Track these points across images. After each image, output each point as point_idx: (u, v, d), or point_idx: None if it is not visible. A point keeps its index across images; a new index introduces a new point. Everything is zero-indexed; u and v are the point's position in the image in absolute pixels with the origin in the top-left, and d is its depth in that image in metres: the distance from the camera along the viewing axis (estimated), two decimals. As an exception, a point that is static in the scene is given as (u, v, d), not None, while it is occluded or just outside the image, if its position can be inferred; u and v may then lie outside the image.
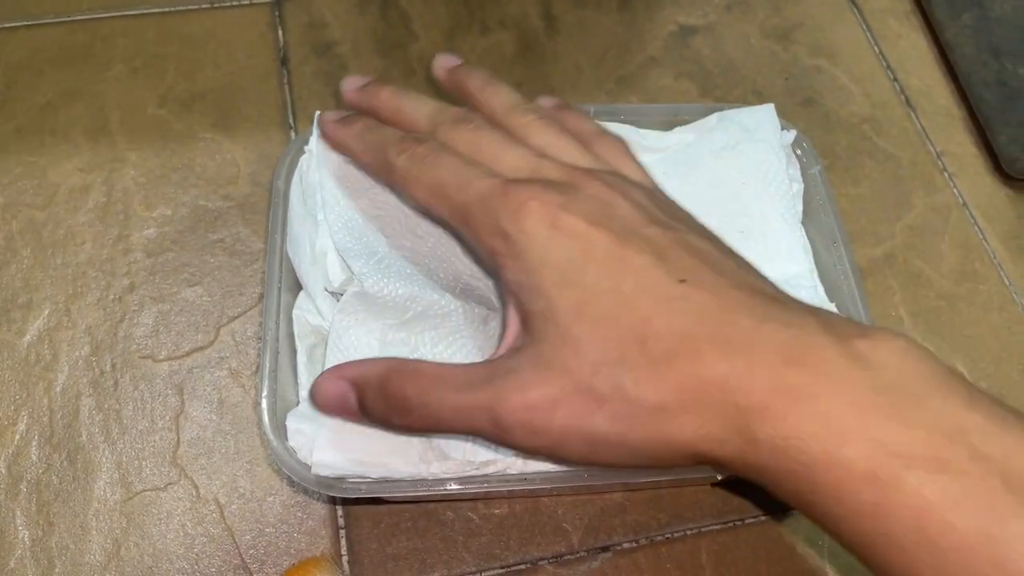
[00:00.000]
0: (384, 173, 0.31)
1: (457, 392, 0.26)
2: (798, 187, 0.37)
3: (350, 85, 0.34)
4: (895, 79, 0.49)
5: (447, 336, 0.32)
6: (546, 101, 0.33)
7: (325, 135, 0.34)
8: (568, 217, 0.26)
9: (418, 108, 0.32)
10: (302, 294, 0.33)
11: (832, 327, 0.24)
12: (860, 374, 0.23)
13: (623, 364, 0.25)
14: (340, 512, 0.35)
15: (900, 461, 0.21)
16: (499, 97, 0.32)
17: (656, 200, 0.29)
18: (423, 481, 0.29)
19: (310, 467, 0.29)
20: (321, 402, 0.28)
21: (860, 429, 0.22)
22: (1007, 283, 0.42)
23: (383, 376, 0.27)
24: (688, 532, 0.35)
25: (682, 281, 0.25)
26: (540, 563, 0.34)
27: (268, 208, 0.39)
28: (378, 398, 0.27)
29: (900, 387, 0.23)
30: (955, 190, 0.45)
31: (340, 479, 0.29)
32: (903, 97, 0.48)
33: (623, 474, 0.30)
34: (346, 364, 0.28)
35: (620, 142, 0.31)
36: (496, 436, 0.26)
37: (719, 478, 0.30)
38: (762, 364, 0.23)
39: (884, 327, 0.25)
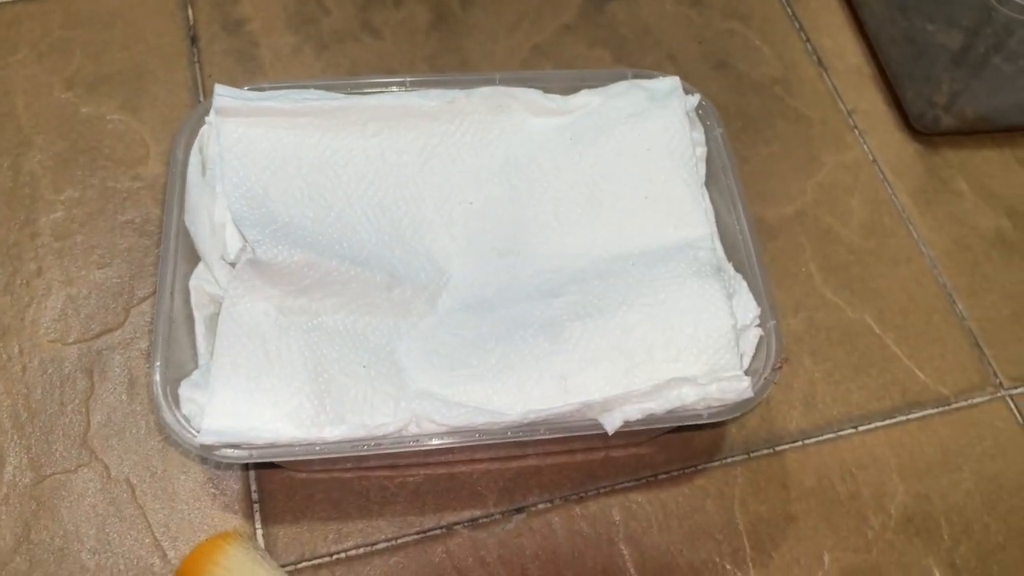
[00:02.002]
0: None
1: None
2: (701, 151, 0.38)
3: None
4: (807, 40, 0.49)
5: (349, 303, 0.32)
6: None
7: None
8: None
9: None
10: (200, 264, 0.33)
11: None
12: None
13: None
14: (254, 487, 0.35)
15: None
16: None
17: None
18: (315, 444, 0.29)
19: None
20: None
21: None
22: (915, 236, 0.43)
23: None
24: (601, 490, 0.36)
25: None
26: (456, 527, 0.34)
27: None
28: None
29: None
30: (865, 147, 0.46)
31: (232, 446, 0.29)
32: (815, 57, 0.48)
33: (519, 432, 0.30)
34: None
35: None
36: None
37: (610, 433, 0.30)
38: None
39: None
